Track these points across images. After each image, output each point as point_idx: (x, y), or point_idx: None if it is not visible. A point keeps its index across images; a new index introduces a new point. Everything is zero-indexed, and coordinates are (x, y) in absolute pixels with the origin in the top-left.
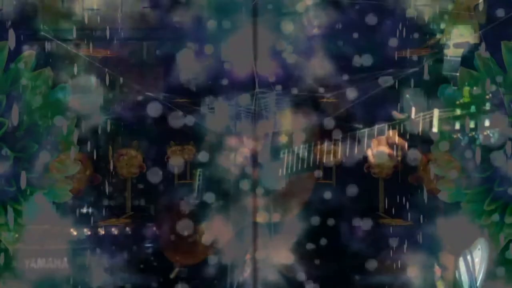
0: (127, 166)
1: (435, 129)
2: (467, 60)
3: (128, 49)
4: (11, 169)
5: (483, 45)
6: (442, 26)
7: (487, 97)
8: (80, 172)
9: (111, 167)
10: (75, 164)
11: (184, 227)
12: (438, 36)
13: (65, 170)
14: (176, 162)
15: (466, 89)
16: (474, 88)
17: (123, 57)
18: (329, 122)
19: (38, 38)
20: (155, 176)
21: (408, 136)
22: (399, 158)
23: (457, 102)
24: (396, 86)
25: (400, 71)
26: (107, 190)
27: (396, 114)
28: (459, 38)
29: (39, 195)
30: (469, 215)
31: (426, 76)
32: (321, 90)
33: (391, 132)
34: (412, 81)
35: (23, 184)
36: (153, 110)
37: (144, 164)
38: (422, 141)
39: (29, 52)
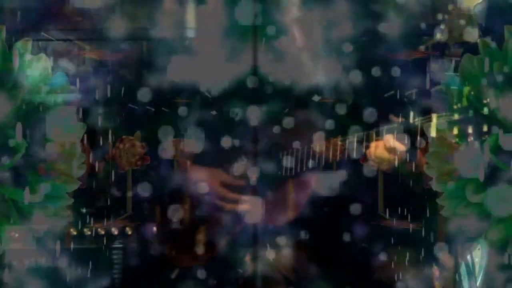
0: (127, 154)
1: (433, 133)
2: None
3: (128, 49)
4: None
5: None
6: (442, 26)
7: (485, 101)
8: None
9: (111, 158)
10: (77, 149)
11: (184, 226)
12: (438, 36)
13: (67, 158)
14: (167, 146)
15: (467, 88)
16: (474, 86)
17: (123, 57)
18: (328, 124)
19: (37, 39)
20: (153, 172)
21: (406, 140)
22: (397, 162)
23: (455, 107)
24: (396, 88)
25: (399, 72)
26: (106, 186)
27: (393, 118)
28: (459, 38)
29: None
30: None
31: (425, 77)
32: (321, 91)
33: (389, 136)
34: (412, 82)
35: (26, 198)
36: (144, 95)
37: (148, 157)
38: (420, 144)
39: (25, 40)
